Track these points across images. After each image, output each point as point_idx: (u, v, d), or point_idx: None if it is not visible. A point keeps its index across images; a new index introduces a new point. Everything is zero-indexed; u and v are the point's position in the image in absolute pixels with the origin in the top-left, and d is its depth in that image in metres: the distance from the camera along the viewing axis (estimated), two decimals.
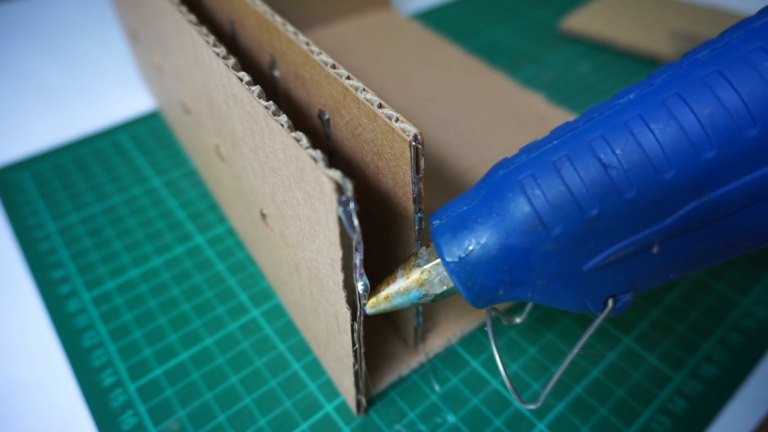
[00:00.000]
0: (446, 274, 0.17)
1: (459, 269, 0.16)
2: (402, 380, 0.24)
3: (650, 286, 0.16)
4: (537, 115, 0.38)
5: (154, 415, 0.23)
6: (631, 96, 0.14)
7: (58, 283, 0.28)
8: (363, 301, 0.18)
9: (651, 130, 0.13)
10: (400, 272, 0.18)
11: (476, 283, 0.16)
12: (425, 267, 0.17)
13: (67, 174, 0.35)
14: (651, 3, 0.49)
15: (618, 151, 0.14)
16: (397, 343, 0.25)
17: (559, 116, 0.37)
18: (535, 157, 0.15)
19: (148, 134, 0.38)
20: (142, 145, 0.37)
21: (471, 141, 0.35)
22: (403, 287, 0.18)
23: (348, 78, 0.18)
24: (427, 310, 0.26)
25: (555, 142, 0.15)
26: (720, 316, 0.26)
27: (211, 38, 0.20)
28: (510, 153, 0.34)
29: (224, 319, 0.26)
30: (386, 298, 0.18)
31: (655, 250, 0.14)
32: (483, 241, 0.15)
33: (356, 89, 0.17)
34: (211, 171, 0.30)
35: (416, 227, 0.18)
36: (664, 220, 0.14)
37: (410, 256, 0.18)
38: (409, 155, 0.16)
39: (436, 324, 0.25)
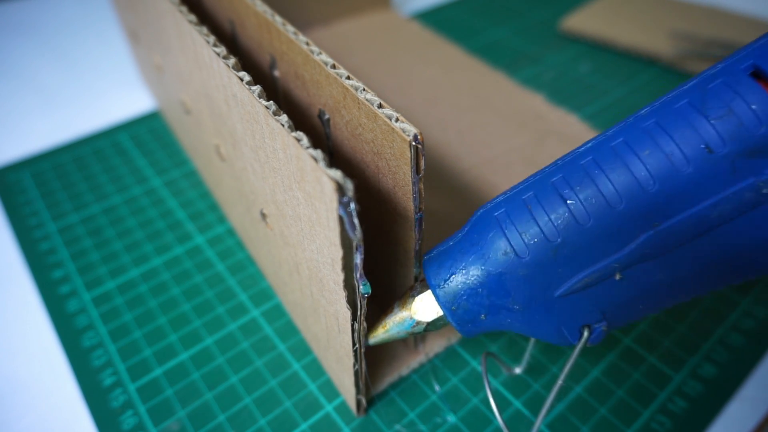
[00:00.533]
0: (435, 303, 0.19)
1: (443, 294, 0.18)
2: (402, 380, 0.24)
3: (623, 319, 0.18)
4: (537, 115, 0.38)
5: (154, 415, 0.23)
6: (589, 144, 0.17)
7: (58, 283, 0.28)
8: (363, 302, 0.18)
9: (603, 170, 0.16)
10: (397, 303, 0.20)
11: (459, 306, 0.18)
12: (417, 296, 0.19)
13: (67, 174, 0.35)
14: (651, 3, 0.49)
15: (576, 188, 0.16)
16: (398, 343, 0.25)
17: (559, 116, 0.37)
18: (509, 197, 0.18)
19: (148, 134, 0.38)
20: (142, 145, 0.37)
21: (471, 141, 0.35)
22: (398, 317, 0.20)
23: (348, 78, 0.18)
24: None
25: (526, 184, 0.18)
26: (720, 316, 0.26)
27: (211, 38, 0.20)
28: (510, 153, 0.34)
29: (224, 319, 0.26)
30: (384, 327, 0.20)
31: (617, 276, 0.16)
32: (464, 267, 0.18)
33: (356, 89, 0.17)
34: (211, 171, 0.30)
35: (416, 227, 0.18)
36: (623, 249, 0.16)
37: (407, 290, 0.20)
38: (409, 155, 0.16)
39: None
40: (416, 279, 0.20)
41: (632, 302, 0.17)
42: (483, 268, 0.17)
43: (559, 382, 0.18)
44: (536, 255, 0.16)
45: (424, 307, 0.19)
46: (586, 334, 0.17)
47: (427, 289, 0.19)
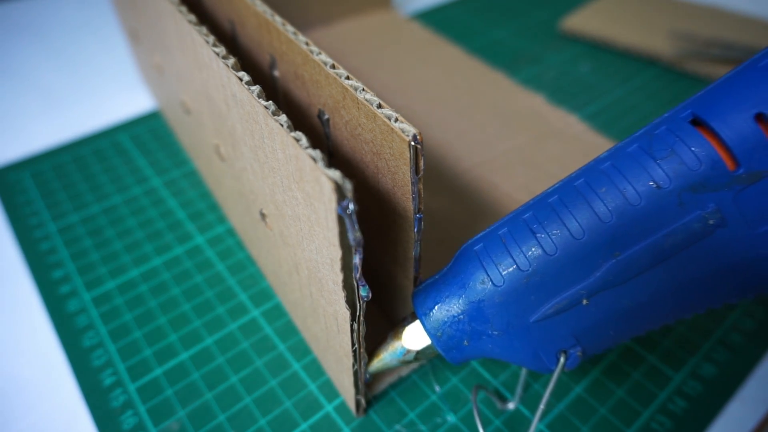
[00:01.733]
0: (423, 332, 0.20)
1: (429, 321, 0.20)
2: (402, 380, 0.24)
3: (596, 344, 0.19)
4: (537, 115, 0.38)
5: (154, 415, 0.23)
6: (555, 186, 0.19)
7: (58, 283, 0.28)
8: (362, 302, 0.18)
9: (567, 206, 0.18)
10: (390, 334, 0.21)
11: (444, 333, 0.19)
12: (407, 327, 0.21)
13: (67, 174, 0.35)
14: (651, 3, 0.49)
15: (544, 223, 0.18)
16: None
17: (559, 116, 0.37)
18: (486, 233, 0.20)
19: (148, 134, 0.38)
20: (142, 145, 0.37)
21: (471, 141, 0.35)
22: (391, 347, 0.21)
23: (347, 78, 0.18)
24: None
25: (502, 221, 0.19)
26: (720, 316, 0.26)
27: (211, 38, 0.20)
28: (510, 153, 0.34)
29: (224, 319, 0.26)
30: (378, 356, 0.21)
31: (584, 302, 0.18)
32: (447, 296, 0.19)
33: (355, 89, 0.17)
34: (211, 171, 0.30)
35: (415, 227, 0.18)
36: (588, 277, 0.17)
37: (399, 321, 0.21)
38: (409, 155, 0.16)
39: None
40: (415, 279, 0.20)
41: (602, 327, 0.18)
42: (464, 296, 0.19)
43: (541, 406, 0.19)
44: (510, 283, 0.18)
45: (414, 336, 0.20)
46: (562, 359, 0.19)
47: (416, 320, 0.20)
